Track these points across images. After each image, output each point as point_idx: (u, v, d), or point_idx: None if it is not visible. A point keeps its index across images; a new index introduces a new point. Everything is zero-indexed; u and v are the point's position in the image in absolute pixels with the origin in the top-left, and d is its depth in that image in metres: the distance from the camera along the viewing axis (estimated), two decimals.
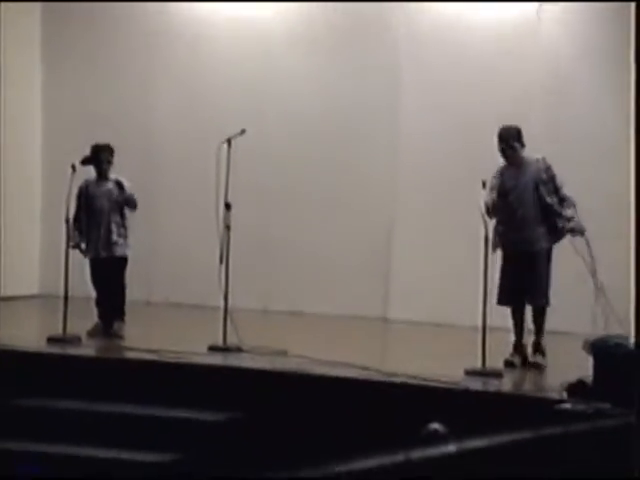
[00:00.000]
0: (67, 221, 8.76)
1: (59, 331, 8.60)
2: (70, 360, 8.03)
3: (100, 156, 8.97)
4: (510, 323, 8.01)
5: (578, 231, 7.72)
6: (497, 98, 10.01)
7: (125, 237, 8.98)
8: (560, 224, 7.77)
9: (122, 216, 8.99)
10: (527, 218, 7.80)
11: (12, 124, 11.34)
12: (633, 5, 4.46)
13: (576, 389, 6.61)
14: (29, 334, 9.17)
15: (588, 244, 7.61)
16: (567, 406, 6.36)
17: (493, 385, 7.25)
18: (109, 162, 8.99)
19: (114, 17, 11.51)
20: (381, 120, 10.60)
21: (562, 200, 7.82)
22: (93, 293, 9.05)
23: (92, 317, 9.00)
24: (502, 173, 7.92)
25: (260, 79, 10.98)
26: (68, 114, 11.76)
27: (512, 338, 7.95)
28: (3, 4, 11.07)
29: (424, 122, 10.40)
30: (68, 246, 8.76)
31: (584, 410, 6.21)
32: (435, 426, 5.82)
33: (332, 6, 10.69)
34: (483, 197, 7.71)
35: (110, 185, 8.99)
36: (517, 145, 7.88)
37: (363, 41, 10.65)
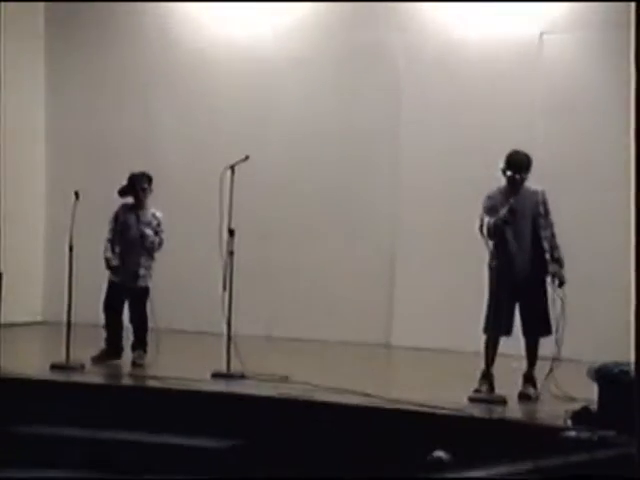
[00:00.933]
0: (71, 248, 8.75)
1: (62, 358, 8.59)
2: (73, 387, 8.01)
3: (141, 185, 8.94)
4: (518, 348, 7.87)
5: (560, 280, 7.65)
6: (498, 119, 10.03)
7: (150, 268, 8.97)
8: (549, 267, 7.67)
9: (152, 253, 8.97)
10: (524, 247, 7.71)
11: (15, 153, 11.36)
12: (633, 5, 4.48)
13: (581, 416, 6.58)
14: (32, 361, 9.16)
15: (563, 299, 7.54)
16: (572, 434, 6.33)
17: (497, 412, 7.22)
18: (145, 190, 8.94)
19: (117, 42, 11.56)
20: (382, 143, 10.62)
21: (552, 237, 7.75)
22: (99, 320, 9.01)
23: (95, 344, 8.98)
24: (500, 195, 7.74)
25: (262, 103, 11.02)
26: (71, 141, 11.80)
27: (482, 365, 7.72)
28: (6, 26, 11.10)
29: (425, 144, 10.42)
30: (71, 273, 8.75)
31: (589, 438, 6.18)
32: (439, 454, 5.80)
33: (334, 28, 10.73)
34: (479, 219, 7.64)
35: (148, 217, 8.97)
36: (526, 175, 7.75)
37: (363, 64, 10.69)
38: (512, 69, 10.11)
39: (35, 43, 11.75)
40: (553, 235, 7.76)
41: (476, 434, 6.70)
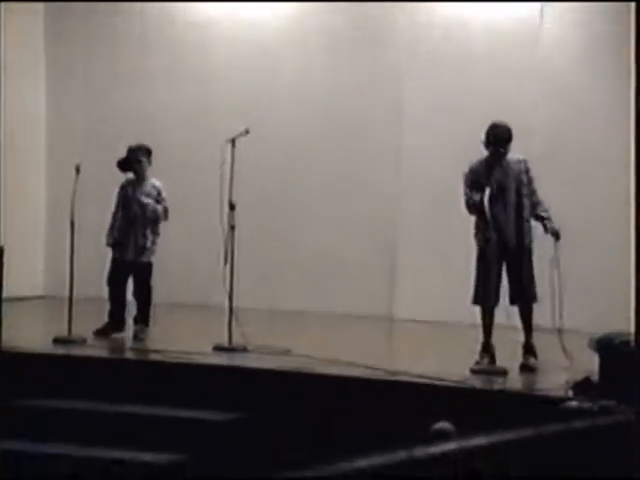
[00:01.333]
0: (72, 223, 8.75)
1: (64, 332, 8.61)
2: (76, 361, 8.04)
3: (136, 157, 8.93)
4: (516, 321, 7.94)
5: (556, 233, 7.70)
6: (500, 104, 9.95)
7: (154, 243, 8.98)
8: (549, 226, 7.70)
9: (156, 222, 8.97)
10: (509, 217, 7.72)
11: (16, 126, 11.35)
12: (633, 5, 4.45)
13: (582, 387, 6.60)
14: (34, 335, 9.19)
15: (557, 250, 7.57)
16: (573, 404, 6.35)
17: (499, 383, 7.24)
18: (141, 162, 8.93)
19: (116, 22, 11.51)
20: (384, 122, 10.59)
21: (537, 204, 7.77)
22: (101, 294, 9.02)
23: (97, 318, 9.00)
24: (484, 168, 7.76)
25: (262, 82, 10.98)
26: (72, 116, 11.77)
27: (481, 337, 7.76)
28: (6, 12, 11.07)
29: (428, 124, 10.38)
30: (73, 247, 8.75)
31: (590, 408, 6.20)
32: (443, 425, 5.82)
33: (334, 11, 10.68)
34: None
35: (148, 188, 8.96)
36: (509, 148, 7.76)
37: (365, 47, 10.65)
38: (514, 41, 10.05)
39: (35, 21, 11.70)
40: (538, 202, 7.77)
41: (478, 405, 6.71)
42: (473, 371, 7.45)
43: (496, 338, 7.71)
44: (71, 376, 7.71)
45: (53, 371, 7.79)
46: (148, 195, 8.94)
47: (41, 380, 7.63)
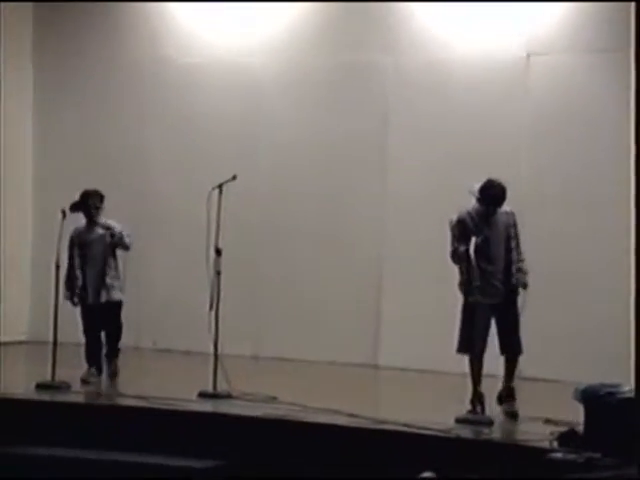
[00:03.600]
0: (57, 267, 8.74)
1: (48, 377, 8.56)
2: (59, 407, 7.98)
3: (89, 202, 8.97)
4: (500, 369, 7.96)
5: (524, 284, 7.76)
6: (484, 140, 10.07)
7: (118, 279, 8.98)
8: (519, 278, 7.76)
9: (115, 260, 8.99)
10: (497, 269, 7.76)
11: (2, 171, 11.34)
12: (633, 5, 4.52)
13: (567, 438, 6.59)
14: (17, 380, 9.12)
15: (524, 299, 7.67)
16: (558, 455, 6.34)
17: (484, 433, 7.22)
18: (98, 208, 8.99)
19: (106, 62, 11.57)
20: (369, 163, 10.63)
21: (518, 253, 7.83)
22: (82, 339, 9.01)
23: (82, 363, 8.96)
24: (473, 219, 7.79)
25: (250, 124, 11.03)
26: (59, 158, 11.78)
27: (470, 386, 7.77)
28: None
29: (412, 164, 10.43)
30: (57, 292, 8.73)
31: (575, 459, 6.18)
32: (428, 475, 5.80)
33: (322, 56, 10.78)
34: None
35: (100, 230, 8.99)
36: (502, 206, 7.82)
37: (351, 85, 10.71)
38: (499, 89, 10.15)
39: (23, 61, 11.74)
40: (519, 253, 7.83)
41: (463, 455, 6.70)
42: (458, 420, 7.43)
43: (486, 387, 7.69)
44: (54, 422, 7.66)
45: (35, 417, 7.73)
46: (102, 237, 8.95)
47: (23, 426, 7.57)
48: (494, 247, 7.78)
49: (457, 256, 7.71)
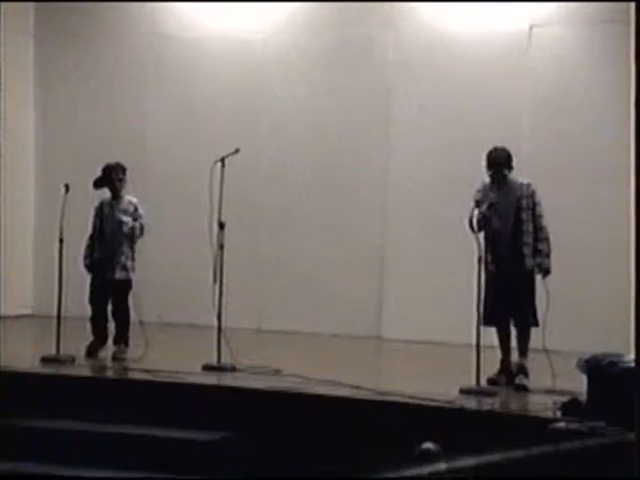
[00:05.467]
0: (61, 241, 8.74)
1: (53, 351, 8.59)
2: (64, 380, 8.01)
3: (112, 175, 8.94)
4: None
5: (544, 270, 7.73)
6: (487, 118, 10.06)
7: (133, 260, 8.98)
8: (537, 259, 7.74)
9: (133, 239, 8.98)
10: (507, 239, 7.77)
11: (4, 144, 11.35)
12: (633, 5, 4.50)
13: (570, 408, 6.61)
14: (22, 354, 9.15)
15: (546, 289, 7.63)
16: (561, 425, 6.36)
17: (487, 404, 7.24)
18: (121, 180, 8.96)
19: (107, 37, 11.55)
20: (372, 141, 10.64)
21: (538, 229, 7.79)
22: (88, 311, 9.03)
23: (86, 336, 8.99)
24: (486, 189, 7.87)
25: (253, 100, 11.02)
26: (61, 134, 11.78)
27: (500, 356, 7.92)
28: None
29: (415, 143, 10.44)
30: (61, 266, 8.74)
31: (578, 429, 6.21)
32: (428, 445, 5.81)
33: (323, 31, 10.74)
34: (476, 215, 7.69)
35: (125, 205, 8.98)
36: (506, 170, 7.85)
37: (353, 60, 10.70)
38: (501, 62, 10.13)
39: (25, 39, 11.73)
40: (540, 228, 7.79)
41: (466, 426, 6.72)
42: (462, 391, 7.46)
43: (486, 358, 7.71)
44: (59, 395, 7.69)
45: (41, 390, 7.76)
46: (125, 212, 8.95)
47: (29, 399, 7.60)
48: (500, 216, 7.77)
49: (469, 222, 7.72)
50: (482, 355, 7.52)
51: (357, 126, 10.66)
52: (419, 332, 10.08)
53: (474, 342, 7.54)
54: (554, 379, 7.49)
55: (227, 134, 10.55)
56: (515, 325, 7.88)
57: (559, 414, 6.61)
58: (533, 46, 10.02)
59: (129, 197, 9.02)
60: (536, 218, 7.80)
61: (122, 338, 8.92)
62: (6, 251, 11.10)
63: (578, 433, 6.12)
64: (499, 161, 7.81)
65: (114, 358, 8.81)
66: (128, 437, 7.20)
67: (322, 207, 10.81)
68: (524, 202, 7.81)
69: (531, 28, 10.02)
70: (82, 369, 8.45)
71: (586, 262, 9.62)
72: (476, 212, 7.68)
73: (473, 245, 7.61)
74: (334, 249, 10.72)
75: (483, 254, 7.63)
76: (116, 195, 8.99)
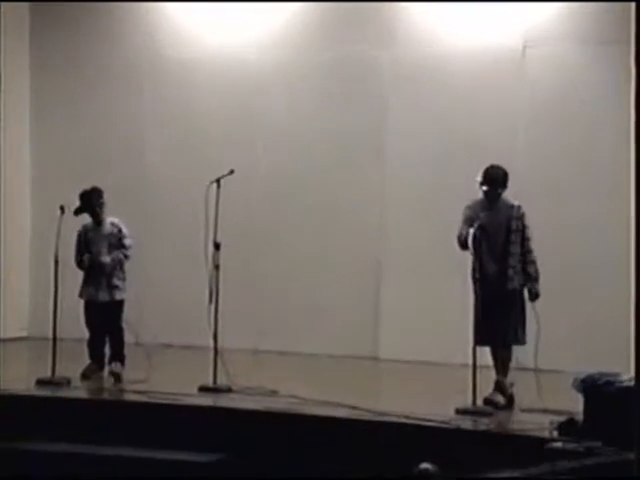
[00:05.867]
0: (56, 262, 8.74)
1: (48, 373, 8.57)
2: (59, 402, 7.99)
3: (91, 201, 8.97)
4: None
5: (534, 295, 7.72)
6: (483, 133, 10.08)
7: (124, 280, 8.99)
8: (522, 282, 7.74)
9: (121, 260, 8.98)
10: (494, 259, 7.76)
11: (0, 167, 11.35)
12: (633, 5, 4.53)
13: (567, 427, 6.60)
14: (18, 376, 9.12)
15: (535, 311, 7.62)
16: (558, 445, 6.35)
17: (484, 424, 7.23)
18: (101, 204, 8.99)
19: (103, 58, 11.57)
20: (368, 155, 10.65)
21: (526, 252, 7.77)
22: (85, 334, 9.02)
23: (82, 359, 8.97)
24: (477, 207, 7.85)
25: (248, 119, 11.03)
26: (57, 155, 11.78)
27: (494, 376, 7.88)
28: None
29: (410, 155, 10.45)
30: (57, 287, 8.74)
31: (575, 449, 6.20)
32: (426, 466, 5.80)
33: (320, 51, 10.78)
34: (471, 235, 7.68)
35: (108, 228, 8.99)
36: (501, 190, 7.85)
37: (348, 80, 10.72)
38: (496, 81, 10.16)
39: (20, 50, 11.73)
40: (528, 250, 7.78)
41: (463, 446, 6.71)
42: (459, 411, 7.45)
43: (482, 378, 7.70)
44: (55, 418, 7.67)
45: (36, 413, 7.74)
46: (110, 235, 8.95)
47: (24, 422, 7.58)
48: (490, 236, 7.77)
49: (459, 240, 7.71)
50: (478, 375, 7.52)
51: (353, 143, 10.67)
52: (416, 352, 10.06)
53: (471, 362, 7.54)
54: (542, 399, 7.47)
55: (222, 153, 10.57)
56: (498, 344, 7.82)
57: (556, 434, 6.60)
58: (527, 61, 10.05)
59: (110, 219, 9.03)
60: (524, 241, 7.79)
61: (117, 356, 8.91)
62: (2, 272, 11.08)
63: (575, 453, 6.10)
64: (495, 179, 7.82)
65: (111, 374, 8.80)
66: (124, 459, 7.17)
67: (318, 226, 10.81)
68: (514, 224, 7.79)
69: (525, 46, 10.05)
70: (78, 391, 8.43)
71: (584, 279, 9.62)
72: (470, 230, 7.68)
73: (470, 264, 7.62)
74: (330, 270, 10.71)
75: (477, 273, 7.63)
76: (97, 220, 9.00)
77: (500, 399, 7.69)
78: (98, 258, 8.90)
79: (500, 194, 7.85)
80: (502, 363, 7.80)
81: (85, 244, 8.98)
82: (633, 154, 4.25)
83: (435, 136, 10.31)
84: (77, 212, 8.97)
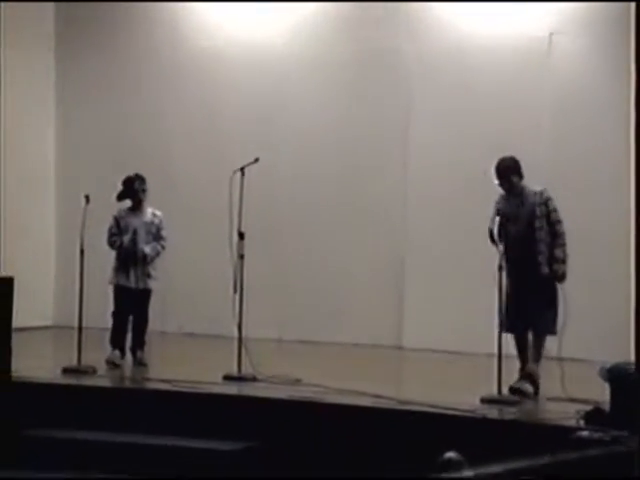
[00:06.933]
0: (82, 252, 8.77)
1: (74, 362, 8.61)
2: (85, 391, 8.03)
3: (135, 186, 8.99)
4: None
5: (560, 276, 7.72)
6: (508, 126, 10.04)
7: (156, 269, 9.03)
8: (555, 269, 7.72)
9: (159, 251, 9.01)
10: (524, 247, 7.76)
11: (26, 156, 11.42)
12: (633, 5, 4.49)
13: (593, 417, 6.57)
14: (44, 365, 9.18)
15: (562, 292, 7.64)
16: (584, 434, 6.32)
17: (509, 413, 7.21)
18: (144, 190, 9.02)
19: (128, 48, 11.60)
20: (392, 148, 10.64)
21: (555, 236, 7.77)
22: (110, 322, 9.05)
23: (107, 347, 9.01)
24: (503, 200, 7.91)
25: (273, 108, 11.04)
26: (81, 145, 11.83)
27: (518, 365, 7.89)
28: (18, 38, 11.18)
29: (435, 150, 10.43)
30: (82, 277, 8.77)
31: (601, 438, 6.16)
32: (451, 455, 5.79)
33: (343, 41, 10.75)
34: (496, 222, 7.68)
35: (149, 217, 9.02)
36: (514, 178, 7.84)
37: (373, 67, 10.71)
38: (522, 70, 10.11)
39: (45, 48, 11.79)
40: (556, 234, 7.76)
41: (488, 435, 6.69)
42: (484, 400, 7.43)
43: (507, 367, 7.67)
44: (81, 406, 7.70)
45: (62, 401, 7.78)
46: (150, 224, 8.98)
47: (50, 410, 7.62)
48: (514, 226, 7.78)
49: (492, 232, 7.75)
50: (503, 364, 7.49)
51: (377, 136, 10.66)
52: (440, 341, 10.05)
53: (496, 351, 7.52)
54: (567, 388, 7.43)
55: (246, 142, 10.57)
56: (531, 332, 7.84)
57: (582, 423, 6.57)
58: (553, 52, 9.99)
59: (151, 209, 9.06)
60: (552, 225, 7.78)
61: (140, 344, 8.96)
62: (28, 262, 11.14)
63: (601, 442, 6.07)
64: (502, 170, 7.84)
65: (140, 362, 8.85)
66: (150, 447, 7.20)
67: (342, 216, 10.80)
68: (538, 210, 7.79)
69: (551, 35, 9.99)
70: (103, 379, 8.47)
71: (610, 267, 9.57)
72: (495, 222, 7.69)
73: (495, 253, 7.59)
74: (354, 258, 10.71)
75: (504, 262, 7.62)
76: (138, 206, 9.01)
77: (529, 388, 7.68)
78: (138, 246, 8.90)
79: (515, 183, 7.84)
80: (536, 351, 7.79)
81: (119, 228, 8.98)
82: (633, 154, 4.21)
83: (460, 129, 10.28)
84: (120, 197, 9.01)
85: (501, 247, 7.65)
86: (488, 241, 7.74)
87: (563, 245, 7.78)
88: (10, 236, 11.00)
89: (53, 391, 7.96)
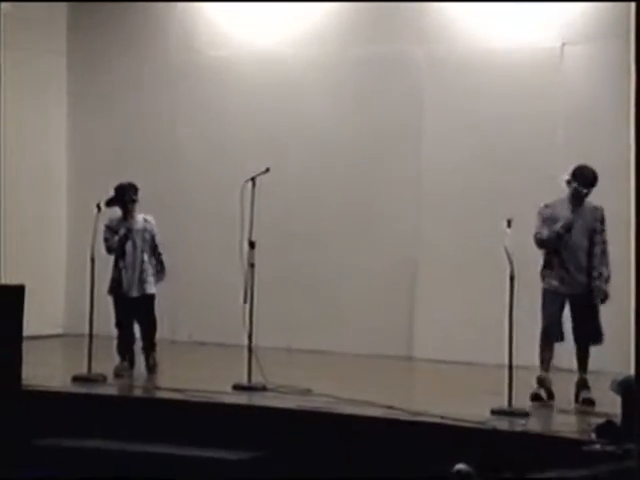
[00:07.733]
0: (92, 260, 8.78)
1: (84, 370, 8.61)
2: (96, 399, 8.02)
3: (125, 196, 9.01)
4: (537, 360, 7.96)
5: (604, 294, 7.85)
6: (520, 132, 10.01)
7: (153, 274, 9.03)
8: (597, 282, 7.84)
9: (153, 254, 9.03)
10: (579, 261, 7.86)
11: (37, 163, 11.44)
12: (633, 5, 4.49)
13: (605, 430, 6.53)
14: (54, 373, 9.18)
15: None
16: (596, 447, 6.29)
17: (520, 425, 7.18)
18: (134, 201, 9.03)
19: (138, 56, 11.62)
20: (404, 156, 10.61)
21: (603, 254, 7.89)
22: (115, 331, 9.06)
23: (117, 356, 9.00)
24: (557, 207, 7.94)
25: (283, 116, 11.03)
26: (93, 154, 11.85)
27: (538, 372, 7.93)
28: (30, 42, 11.20)
29: (447, 157, 10.40)
30: (93, 285, 8.78)
31: (613, 451, 6.13)
32: (460, 467, 5.77)
33: (356, 47, 10.75)
34: (508, 235, 7.67)
35: (141, 224, 9.04)
36: (591, 191, 7.92)
37: (385, 73, 10.69)
38: (533, 79, 10.08)
39: (57, 59, 11.81)
40: (604, 252, 7.90)
41: (499, 447, 6.66)
42: (494, 412, 7.40)
43: (517, 378, 7.65)
44: (90, 415, 7.70)
45: (72, 410, 7.78)
46: (144, 230, 9.03)
47: (60, 419, 7.62)
48: (576, 237, 7.86)
49: (538, 240, 7.85)
50: (514, 375, 7.47)
51: (389, 142, 10.64)
52: (451, 352, 10.01)
53: (506, 362, 7.49)
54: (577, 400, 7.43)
55: (258, 151, 10.57)
56: (576, 341, 7.94)
57: (594, 436, 6.54)
58: (566, 62, 9.96)
59: (143, 215, 9.08)
60: (603, 243, 7.91)
61: (150, 346, 8.97)
62: (38, 270, 11.15)
63: (613, 455, 6.04)
64: (590, 179, 7.89)
65: (149, 368, 8.87)
66: (159, 456, 7.19)
67: (353, 225, 10.79)
68: (598, 226, 7.92)
69: (563, 45, 9.97)
70: (113, 388, 8.46)
71: (623, 279, 9.52)
72: (543, 230, 7.75)
73: (506, 262, 7.57)
74: (365, 268, 10.68)
75: (546, 270, 7.67)
76: (127, 216, 9.02)
77: (591, 395, 7.73)
78: (137, 253, 8.93)
79: (588, 194, 7.93)
80: (586, 360, 7.93)
81: (112, 232, 9.00)
82: (633, 154, 4.19)
83: (472, 135, 10.25)
84: (109, 203, 9.01)
85: (552, 254, 7.68)
86: (504, 251, 7.72)
87: (609, 265, 7.91)
88: (21, 244, 11.02)
89: (63, 400, 7.96)
